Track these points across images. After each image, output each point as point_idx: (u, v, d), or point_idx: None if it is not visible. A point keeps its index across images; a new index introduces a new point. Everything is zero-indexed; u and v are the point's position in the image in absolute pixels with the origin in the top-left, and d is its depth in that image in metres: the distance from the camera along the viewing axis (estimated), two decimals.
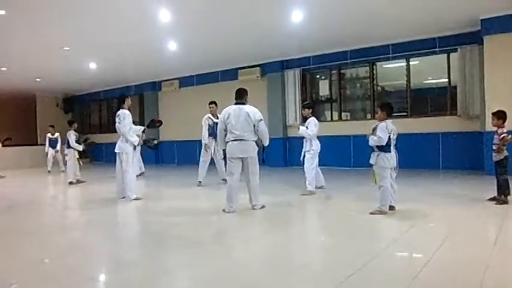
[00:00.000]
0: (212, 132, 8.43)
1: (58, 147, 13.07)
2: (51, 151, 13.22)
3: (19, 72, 13.35)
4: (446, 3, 7.69)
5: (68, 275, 3.25)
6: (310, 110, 7.17)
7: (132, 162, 6.95)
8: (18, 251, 4.04)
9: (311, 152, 6.94)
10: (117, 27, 8.76)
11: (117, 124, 6.90)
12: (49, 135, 13.29)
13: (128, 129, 6.85)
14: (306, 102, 8.11)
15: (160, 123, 7.87)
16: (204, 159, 8.57)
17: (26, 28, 8.50)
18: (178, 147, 15.48)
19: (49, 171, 13.02)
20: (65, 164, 10.16)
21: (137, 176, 10.70)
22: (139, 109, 16.50)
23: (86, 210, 6.53)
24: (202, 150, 8.59)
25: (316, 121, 7.05)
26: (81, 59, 11.79)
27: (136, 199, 6.79)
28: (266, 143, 5.59)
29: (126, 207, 6.47)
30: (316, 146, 7.00)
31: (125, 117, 6.84)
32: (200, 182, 8.47)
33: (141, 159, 11.00)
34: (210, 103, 8.71)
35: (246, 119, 5.40)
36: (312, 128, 6.92)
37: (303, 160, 7.01)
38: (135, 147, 6.91)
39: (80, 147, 9.79)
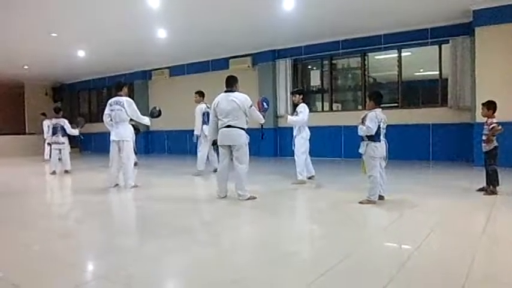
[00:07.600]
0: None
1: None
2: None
3: (6, 59, 13.08)
4: None
5: (54, 260, 3.21)
6: (301, 96, 6.88)
7: (131, 149, 6.95)
8: (6, 236, 3.98)
9: (300, 138, 6.73)
10: (106, 13, 8.59)
11: (116, 111, 6.78)
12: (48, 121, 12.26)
13: (139, 113, 6.96)
14: (296, 89, 7.66)
15: (159, 113, 7.77)
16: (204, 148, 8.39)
17: (11, 12, 8.29)
18: (168, 137, 15.39)
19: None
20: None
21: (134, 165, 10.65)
22: (130, 98, 16.29)
23: (77, 197, 6.45)
24: (200, 139, 8.42)
25: (307, 108, 6.83)
26: (69, 46, 11.58)
27: (135, 186, 6.78)
28: (262, 121, 5.76)
29: (117, 195, 6.42)
30: (306, 133, 6.80)
31: (131, 104, 6.87)
32: (201, 171, 8.38)
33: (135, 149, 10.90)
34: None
35: (233, 107, 5.35)
36: (305, 113, 6.65)
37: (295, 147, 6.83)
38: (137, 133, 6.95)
39: (77, 132, 9.53)
